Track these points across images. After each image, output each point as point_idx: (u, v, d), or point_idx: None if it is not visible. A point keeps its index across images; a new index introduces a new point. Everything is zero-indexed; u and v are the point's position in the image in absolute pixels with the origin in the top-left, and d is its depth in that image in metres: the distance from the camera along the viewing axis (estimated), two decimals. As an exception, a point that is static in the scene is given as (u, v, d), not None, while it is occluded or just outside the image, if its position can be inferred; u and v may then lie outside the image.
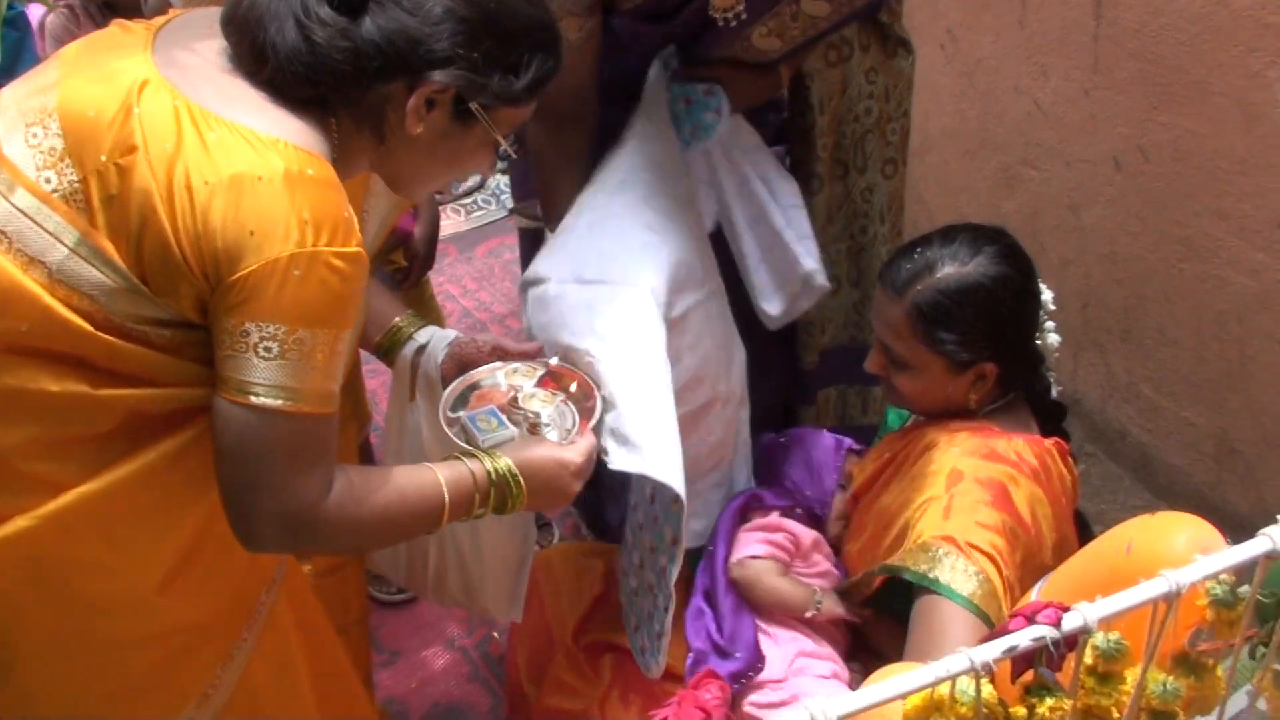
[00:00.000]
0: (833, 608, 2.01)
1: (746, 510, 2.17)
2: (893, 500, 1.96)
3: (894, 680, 1.05)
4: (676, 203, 2.14)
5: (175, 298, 1.36)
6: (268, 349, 1.33)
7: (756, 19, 2.11)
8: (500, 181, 4.81)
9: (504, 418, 1.74)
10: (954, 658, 1.07)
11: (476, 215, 4.74)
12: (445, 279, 4.29)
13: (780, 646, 1.99)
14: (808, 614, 2.00)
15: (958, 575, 1.72)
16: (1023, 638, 1.12)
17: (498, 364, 1.88)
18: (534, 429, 1.75)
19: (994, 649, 1.10)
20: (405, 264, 2.72)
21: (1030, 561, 1.80)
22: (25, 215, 1.35)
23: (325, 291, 1.34)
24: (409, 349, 1.98)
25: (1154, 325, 2.89)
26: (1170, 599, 1.13)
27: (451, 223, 4.67)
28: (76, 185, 1.34)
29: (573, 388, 1.83)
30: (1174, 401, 2.89)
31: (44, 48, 3.34)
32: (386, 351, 2.00)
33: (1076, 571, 1.61)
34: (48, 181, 1.35)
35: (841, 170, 2.50)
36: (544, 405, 1.79)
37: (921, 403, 2.04)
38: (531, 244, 2.63)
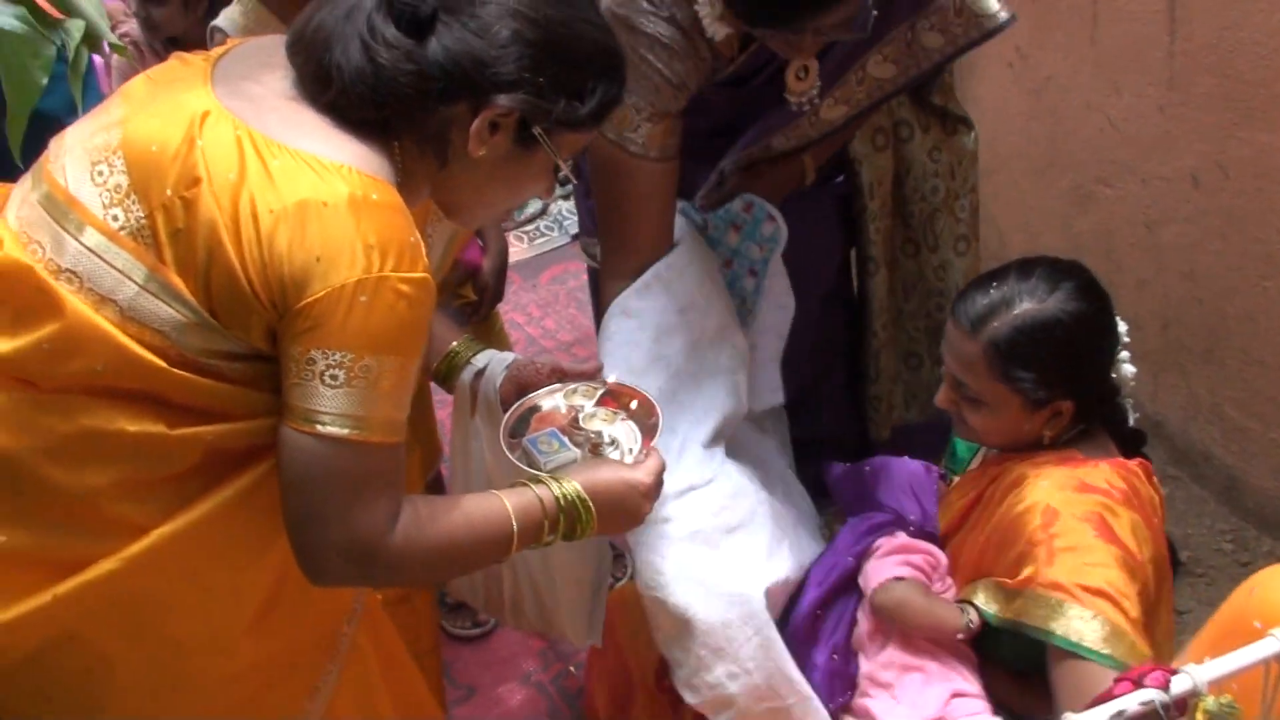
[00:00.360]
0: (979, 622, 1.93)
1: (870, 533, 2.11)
2: (987, 540, 1.92)
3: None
4: (718, 372, 2.17)
5: (245, 329, 1.35)
6: (334, 376, 1.32)
7: (825, 93, 2.12)
8: (563, 208, 4.82)
9: (566, 439, 1.72)
10: (1062, 722, 1.04)
11: (539, 242, 4.75)
12: (510, 307, 4.29)
13: (933, 685, 1.91)
14: (960, 635, 1.91)
15: (1074, 624, 1.69)
16: (1130, 702, 1.08)
17: (557, 385, 1.86)
18: (595, 449, 1.73)
19: (1101, 714, 1.07)
20: (475, 298, 2.71)
21: (1144, 591, 1.76)
22: (94, 254, 1.35)
23: (392, 317, 1.32)
24: (467, 373, 1.96)
25: (1238, 345, 2.82)
26: (1284, 658, 1.09)
27: (515, 250, 4.67)
28: (143, 221, 1.34)
29: (633, 405, 1.81)
30: (1260, 423, 2.82)
31: (110, 85, 3.38)
32: (445, 377, 1.98)
33: (1214, 624, 1.57)
34: (115, 219, 1.35)
35: (913, 249, 2.50)
36: (605, 424, 1.77)
37: (993, 438, 2.00)
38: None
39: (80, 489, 1.38)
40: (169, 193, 1.33)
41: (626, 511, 1.62)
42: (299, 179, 1.31)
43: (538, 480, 1.58)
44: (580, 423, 1.76)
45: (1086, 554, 1.74)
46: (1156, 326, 3.04)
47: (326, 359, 1.31)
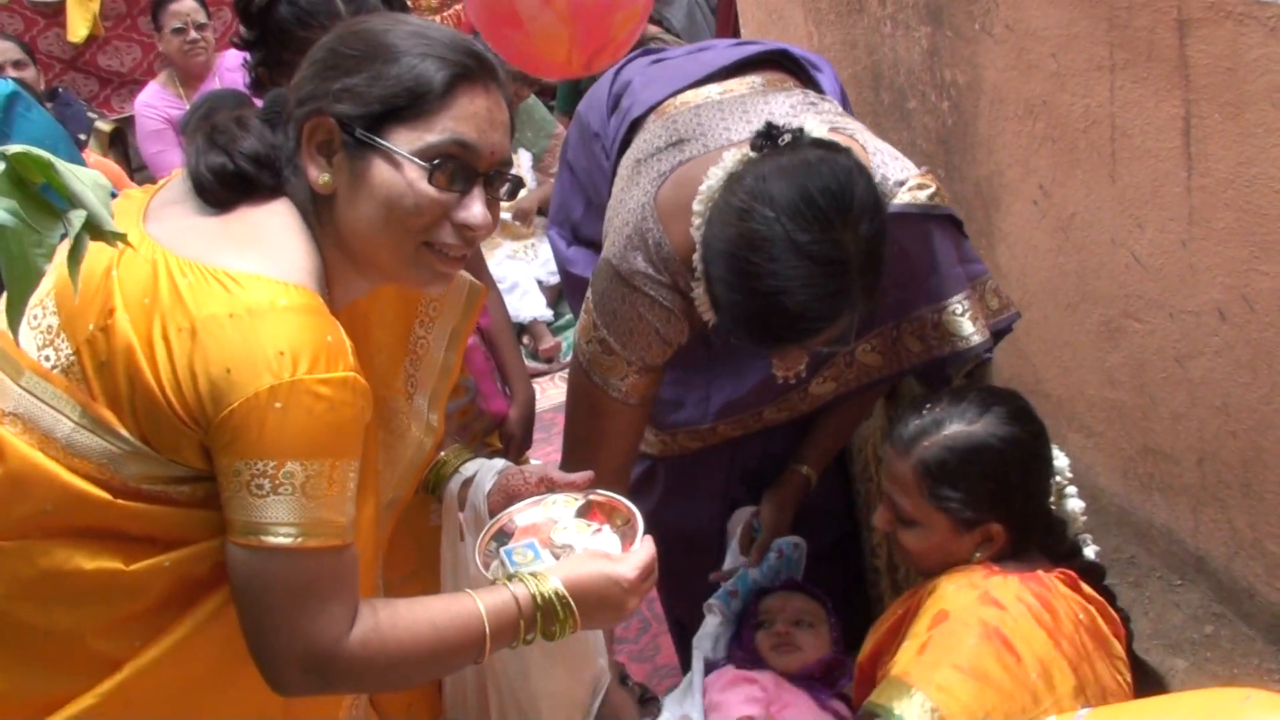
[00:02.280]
0: None
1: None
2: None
3: None
4: None
5: (178, 452, 1.38)
6: (259, 486, 1.33)
7: (815, 373, 2.22)
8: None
9: (545, 551, 1.71)
10: None
11: (583, 384, 4.79)
12: (553, 449, 4.32)
13: None
14: None
15: (912, 711, 1.68)
16: None
17: (539, 497, 1.85)
18: None
19: None
20: (501, 446, 2.72)
21: (1025, 712, 1.73)
22: (31, 394, 1.39)
23: (312, 420, 1.33)
24: (455, 482, 1.97)
25: (1274, 478, 2.78)
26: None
27: (560, 391, 4.72)
28: (72, 359, 1.38)
29: (613, 514, 1.80)
30: (1303, 558, 2.77)
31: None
32: (433, 488, 1.99)
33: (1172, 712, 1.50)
34: (47, 359, 1.39)
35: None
36: (577, 536, 1.75)
37: (928, 559, 2.00)
38: None
39: (54, 629, 1.41)
40: (91, 327, 1.37)
41: (609, 607, 1.60)
42: (207, 295, 1.34)
43: (516, 578, 1.57)
44: (553, 536, 1.76)
45: (956, 654, 1.73)
46: (1192, 461, 3.00)
47: (250, 469, 1.33)
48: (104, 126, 5.63)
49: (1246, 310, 2.71)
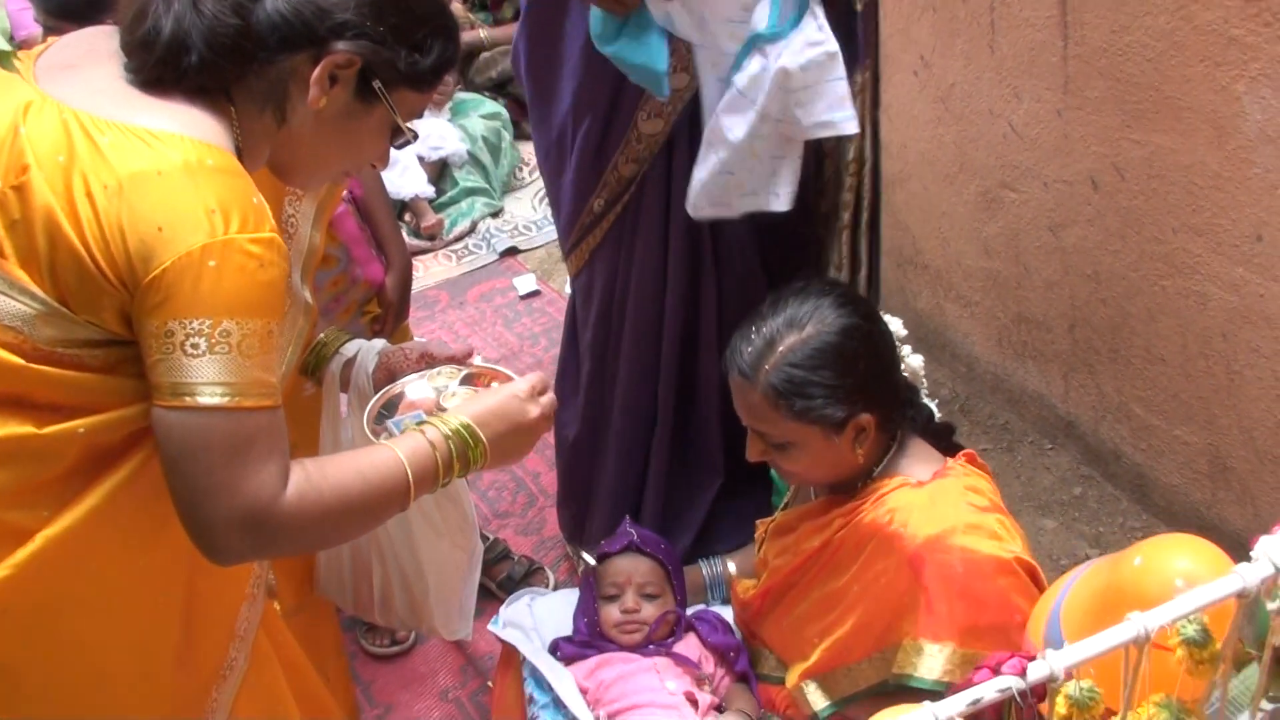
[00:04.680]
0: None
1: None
2: (849, 586, 1.94)
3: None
4: None
5: (97, 312, 1.34)
6: (194, 345, 1.31)
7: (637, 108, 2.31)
8: (490, 225, 4.83)
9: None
10: (918, 712, 1.06)
11: (467, 260, 4.73)
12: (437, 326, 4.29)
13: None
14: None
15: (927, 661, 1.76)
16: (988, 689, 1.10)
17: (424, 371, 1.88)
18: None
19: (958, 702, 1.08)
20: (380, 313, 2.71)
21: (1035, 574, 1.82)
22: None
23: (244, 279, 1.32)
24: (336, 363, 1.97)
25: (1141, 344, 2.87)
26: (1140, 643, 1.11)
27: (443, 268, 4.66)
28: None
29: (495, 385, 1.81)
30: (1166, 420, 2.87)
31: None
32: (313, 370, 1.99)
33: (1094, 585, 1.58)
34: None
35: None
36: (464, 403, 1.76)
37: (814, 475, 2.01)
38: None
39: None
40: (0, 185, 1.32)
41: (515, 424, 1.63)
42: (130, 152, 1.31)
43: (426, 422, 1.59)
44: (442, 402, 1.77)
45: (955, 608, 1.78)
46: (1064, 328, 3.08)
47: (184, 328, 1.31)
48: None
49: (1118, 179, 2.77)
